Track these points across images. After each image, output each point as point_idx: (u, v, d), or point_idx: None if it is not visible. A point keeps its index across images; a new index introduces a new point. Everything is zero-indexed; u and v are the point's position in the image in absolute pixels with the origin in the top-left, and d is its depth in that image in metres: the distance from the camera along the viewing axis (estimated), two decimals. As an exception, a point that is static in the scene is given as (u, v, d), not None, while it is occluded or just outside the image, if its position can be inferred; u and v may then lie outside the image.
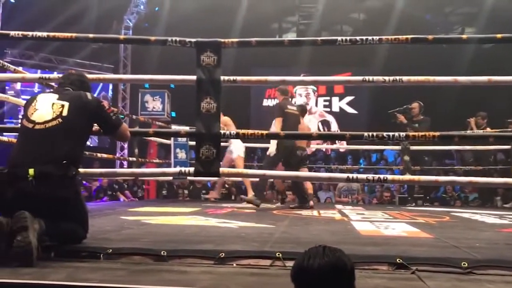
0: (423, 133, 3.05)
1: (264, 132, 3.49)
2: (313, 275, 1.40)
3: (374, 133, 2.98)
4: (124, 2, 12.31)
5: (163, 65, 10.60)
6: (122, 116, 2.40)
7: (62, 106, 2.71)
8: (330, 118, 13.89)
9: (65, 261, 2.43)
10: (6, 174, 2.53)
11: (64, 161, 2.60)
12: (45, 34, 3.31)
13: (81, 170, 3.53)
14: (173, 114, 10.54)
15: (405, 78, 3.08)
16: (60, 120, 2.67)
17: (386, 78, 3.06)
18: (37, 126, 2.65)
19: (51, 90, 2.80)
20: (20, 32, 3.24)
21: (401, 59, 11.42)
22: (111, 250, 2.53)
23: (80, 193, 2.80)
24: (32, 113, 2.70)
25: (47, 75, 3.64)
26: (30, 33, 3.24)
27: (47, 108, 2.69)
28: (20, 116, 2.71)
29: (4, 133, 6.32)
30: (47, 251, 2.50)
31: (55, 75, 4.36)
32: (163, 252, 2.49)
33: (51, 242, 2.55)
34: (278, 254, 2.43)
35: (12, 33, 3.25)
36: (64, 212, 2.61)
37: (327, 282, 1.40)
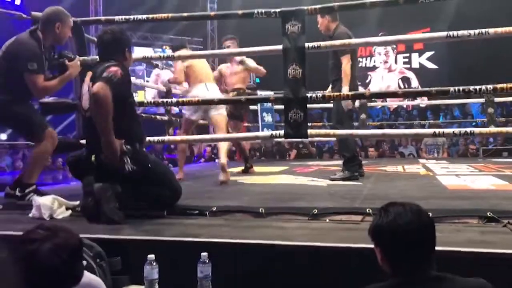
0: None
1: (350, 93, 3.42)
2: (400, 232, 1.33)
3: (461, 88, 2.81)
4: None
5: (247, 36, 10.61)
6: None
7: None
8: (410, 74, 13.25)
9: (176, 219, 2.59)
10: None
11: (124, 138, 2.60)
12: (144, 16, 3.43)
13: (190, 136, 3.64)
14: (258, 80, 10.61)
15: (491, 30, 2.84)
16: None
17: (471, 32, 2.84)
18: (87, 114, 2.71)
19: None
20: (123, 17, 3.37)
21: (476, 8, 10.50)
22: (215, 208, 2.65)
23: (148, 160, 2.74)
24: (81, 99, 2.79)
25: (149, 54, 3.78)
26: (132, 17, 3.38)
27: (87, 94, 2.69)
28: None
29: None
30: (160, 210, 2.67)
31: (157, 53, 4.57)
32: (261, 210, 2.57)
33: (138, 202, 2.72)
34: (369, 210, 2.42)
35: (116, 18, 3.39)
36: (140, 176, 2.65)
37: (415, 238, 1.34)
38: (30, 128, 3.09)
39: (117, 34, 2.80)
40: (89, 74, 2.77)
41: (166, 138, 3.27)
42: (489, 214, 2.29)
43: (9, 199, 3.02)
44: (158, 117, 6.24)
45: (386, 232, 1.36)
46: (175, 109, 6.41)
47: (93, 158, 2.61)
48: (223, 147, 4.26)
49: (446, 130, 3.09)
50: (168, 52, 5.88)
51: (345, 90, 3.92)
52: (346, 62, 4.00)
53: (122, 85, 2.59)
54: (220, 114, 4.45)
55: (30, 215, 2.65)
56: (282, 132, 3.10)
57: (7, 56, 3.05)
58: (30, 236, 1.30)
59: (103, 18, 3.53)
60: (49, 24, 3.10)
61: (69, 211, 2.75)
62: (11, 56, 3.03)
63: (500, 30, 2.84)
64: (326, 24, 4.21)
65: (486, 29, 2.85)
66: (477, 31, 2.84)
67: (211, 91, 4.42)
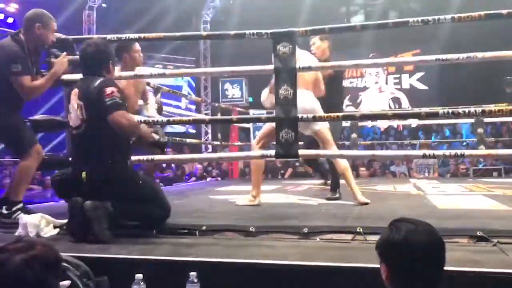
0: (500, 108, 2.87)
1: (340, 114, 3.44)
2: (412, 250, 1.30)
3: (450, 110, 2.85)
4: (200, -2, 12.52)
5: (239, 55, 10.72)
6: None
7: (81, 107, 2.61)
8: (400, 95, 13.38)
9: (165, 238, 2.57)
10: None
11: (108, 160, 2.59)
12: (136, 35, 3.44)
13: (179, 156, 3.62)
14: (251, 99, 10.68)
15: (479, 54, 2.89)
16: (84, 125, 2.61)
17: (460, 55, 2.89)
18: (73, 131, 2.68)
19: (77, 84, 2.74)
20: (116, 35, 3.40)
21: (468, 31, 10.70)
22: (205, 227, 2.63)
23: (138, 177, 2.71)
24: (69, 118, 2.71)
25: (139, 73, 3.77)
26: (124, 35, 3.39)
27: (74, 111, 2.65)
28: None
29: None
30: (150, 230, 2.65)
31: (145, 70, 4.53)
32: (252, 228, 2.56)
33: (130, 221, 2.70)
34: (359, 229, 2.42)
35: (108, 36, 3.40)
36: (130, 194, 2.63)
37: (427, 257, 1.31)
38: (18, 143, 3.04)
39: (101, 46, 2.75)
40: (75, 92, 2.68)
41: (156, 157, 3.25)
42: (479, 233, 2.29)
43: None
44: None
45: (397, 249, 1.32)
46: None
47: (83, 175, 2.58)
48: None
49: (437, 152, 3.11)
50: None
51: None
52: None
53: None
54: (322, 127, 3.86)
55: (16, 233, 2.61)
56: (273, 152, 3.10)
57: None
58: (5, 247, 1.24)
59: (95, 36, 3.53)
60: (29, 25, 3.05)
61: (57, 230, 2.71)
62: None
63: (488, 54, 2.89)
64: (323, 49, 4.23)
65: (475, 53, 2.89)
66: (465, 55, 2.88)
67: None
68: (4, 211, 2.94)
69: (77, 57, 3.18)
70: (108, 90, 2.54)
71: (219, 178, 9.10)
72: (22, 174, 3.04)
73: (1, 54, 3.00)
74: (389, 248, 1.35)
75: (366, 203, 3.67)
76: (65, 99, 3.46)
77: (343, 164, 3.81)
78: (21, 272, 1.19)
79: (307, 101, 3.67)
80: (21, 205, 2.98)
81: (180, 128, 12.13)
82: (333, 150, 3.72)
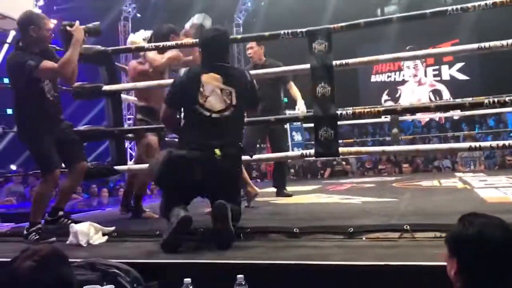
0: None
1: (381, 108, 3.39)
2: (487, 244, 1.26)
3: (496, 99, 2.75)
4: (232, 1, 12.59)
5: (272, 56, 10.73)
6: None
7: (230, 93, 2.69)
8: (440, 86, 13.06)
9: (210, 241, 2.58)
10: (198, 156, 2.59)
11: (240, 143, 2.76)
12: (173, 43, 3.49)
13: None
14: (285, 100, 10.67)
15: (524, 39, 2.79)
16: (232, 109, 2.69)
17: (504, 42, 2.79)
18: (214, 115, 2.67)
19: (207, 68, 2.73)
20: (153, 44, 3.47)
21: (505, 18, 10.32)
22: (249, 229, 2.64)
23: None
24: (205, 100, 2.67)
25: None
26: (162, 44, 3.45)
27: (217, 96, 2.67)
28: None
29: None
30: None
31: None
32: (296, 229, 2.55)
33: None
34: (406, 227, 2.37)
35: (146, 45, 3.49)
36: (234, 190, 2.73)
37: (501, 252, 1.26)
38: (40, 165, 3.06)
39: (227, 34, 2.92)
40: (214, 76, 2.70)
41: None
42: (534, 227, 2.20)
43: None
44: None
45: (470, 243, 1.29)
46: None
47: (217, 152, 2.58)
48: None
49: (483, 144, 3.02)
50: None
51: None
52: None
53: None
54: None
55: (68, 242, 2.71)
56: (312, 151, 3.09)
57: (11, 80, 3.03)
58: (14, 258, 1.31)
59: (133, 46, 3.62)
60: (23, 30, 3.01)
61: (106, 237, 2.80)
62: (12, 78, 3.01)
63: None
64: (259, 53, 4.36)
65: (518, 39, 2.79)
66: (510, 41, 2.78)
67: None
68: (24, 232, 2.96)
69: (92, 25, 3.21)
70: (256, 84, 2.83)
71: (258, 180, 9.11)
72: (39, 199, 3.04)
73: (11, 64, 3.00)
74: (461, 242, 1.31)
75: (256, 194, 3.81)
76: (108, 110, 3.56)
77: None
78: (33, 275, 1.25)
79: None
80: (39, 225, 2.97)
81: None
82: None
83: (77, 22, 3.12)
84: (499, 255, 1.27)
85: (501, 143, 2.80)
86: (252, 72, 3.19)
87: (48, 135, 3.01)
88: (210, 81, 2.69)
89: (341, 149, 3.07)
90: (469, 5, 2.82)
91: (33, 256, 1.28)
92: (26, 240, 2.88)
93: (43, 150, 2.99)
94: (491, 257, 1.26)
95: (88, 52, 3.42)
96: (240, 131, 2.85)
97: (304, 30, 3.05)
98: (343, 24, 3.10)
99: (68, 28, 3.06)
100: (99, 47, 3.51)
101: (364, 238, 2.40)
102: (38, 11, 3.18)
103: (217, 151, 2.59)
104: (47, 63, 2.92)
